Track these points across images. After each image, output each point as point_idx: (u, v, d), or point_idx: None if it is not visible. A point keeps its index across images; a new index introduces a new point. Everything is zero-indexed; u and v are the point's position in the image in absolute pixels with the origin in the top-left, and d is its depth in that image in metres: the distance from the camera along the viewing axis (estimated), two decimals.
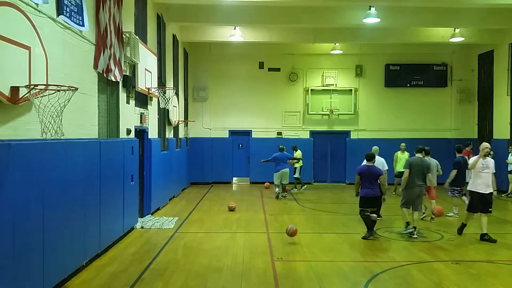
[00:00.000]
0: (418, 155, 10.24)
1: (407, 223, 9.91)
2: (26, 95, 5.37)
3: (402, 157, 15.45)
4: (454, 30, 16.80)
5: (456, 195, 11.91)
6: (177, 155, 16.05)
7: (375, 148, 12.34)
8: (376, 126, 20.08)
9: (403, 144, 15.99)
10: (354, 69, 20.19)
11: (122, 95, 9.71)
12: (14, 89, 5.26)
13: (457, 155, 12.10)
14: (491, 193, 9.41)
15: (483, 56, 19.15)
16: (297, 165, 17.20)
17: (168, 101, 12.74)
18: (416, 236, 9.58)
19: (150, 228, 10.47)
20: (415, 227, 9.68)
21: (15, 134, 5.42)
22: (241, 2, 14.29)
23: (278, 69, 20.17)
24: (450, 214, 12.25)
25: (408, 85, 20.05)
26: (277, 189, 15.60)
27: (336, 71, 20.06)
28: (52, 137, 5.77)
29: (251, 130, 20.22)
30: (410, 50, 19.69)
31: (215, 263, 7.80)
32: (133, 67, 10.43)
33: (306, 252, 8.63)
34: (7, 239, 5.03)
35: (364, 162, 10.01)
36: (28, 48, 5.50)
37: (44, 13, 6.05)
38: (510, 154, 15.72)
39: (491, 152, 12.38)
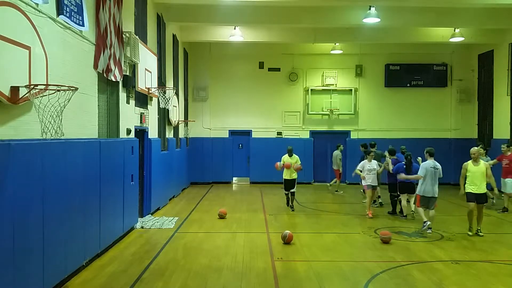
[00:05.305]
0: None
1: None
2: (26, 95, 5.37)
3: (476, 170, 9.72)
4: (454, 30, 16.81)
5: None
6: (177, 155, 16.05)
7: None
8: (376, 126, 20.08)
9: (475, 149, 9.92)
10: (354, 69, 20.19)
11: (122, 95, 9.71)
12: (14, 89, 5.26)
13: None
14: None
15: (483, 56, 19.15)
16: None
17: (168, 101, 12.75)
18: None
19: (150, 228, 10.48)
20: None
21: (15, 134, 5.41)
22: (241, 2, 14.28)
23: (278, 69, 20.17)
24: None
25: (408, 85, 20.06)
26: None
27: (336, 71, 20.08)
28: (52, 137, 5.76)
29: (251, 130, 20.23)
30: (410, 50, 19.71)
31: (215, 263, 7.80)
32: (133, 67, 10.43)
33: (306, 252, 8.63)
34: (7, 239, 5.03)
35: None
36: (28, 48, 5.50)
37: (44, 13, 6.05)
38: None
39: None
